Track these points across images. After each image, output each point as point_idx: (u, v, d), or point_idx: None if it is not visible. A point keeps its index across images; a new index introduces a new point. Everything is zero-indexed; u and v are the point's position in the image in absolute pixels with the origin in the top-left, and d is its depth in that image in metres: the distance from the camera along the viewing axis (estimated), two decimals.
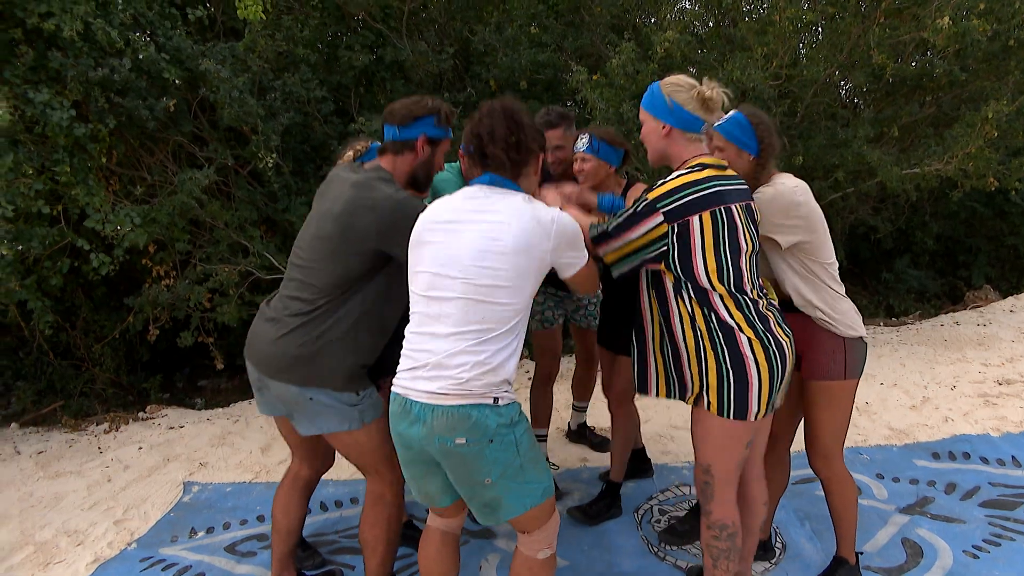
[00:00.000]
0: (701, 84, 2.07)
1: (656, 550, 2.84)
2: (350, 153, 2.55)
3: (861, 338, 2.35)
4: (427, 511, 2.16)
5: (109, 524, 3.25)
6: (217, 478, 3.69)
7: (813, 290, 2.30)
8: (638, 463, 3.40)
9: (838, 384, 2.33)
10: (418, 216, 1.98)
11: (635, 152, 3.74)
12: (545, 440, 3.52)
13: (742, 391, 2.01)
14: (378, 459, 2.29)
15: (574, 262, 1.95)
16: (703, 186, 2.01)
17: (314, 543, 2.95)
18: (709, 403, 2.05)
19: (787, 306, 2.31)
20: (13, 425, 4.70)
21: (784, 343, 2.07)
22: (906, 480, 3.32)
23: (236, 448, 4.05)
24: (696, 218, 1.98)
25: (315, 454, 2.52)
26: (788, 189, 2.23)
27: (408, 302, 1.99)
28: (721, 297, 2.02)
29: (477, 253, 1.82)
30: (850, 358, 2.32)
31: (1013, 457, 3.47)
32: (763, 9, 5.95)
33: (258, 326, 2.27)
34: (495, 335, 1.83)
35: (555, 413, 3.87)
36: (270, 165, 4.63)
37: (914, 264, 7.64)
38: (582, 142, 2.77)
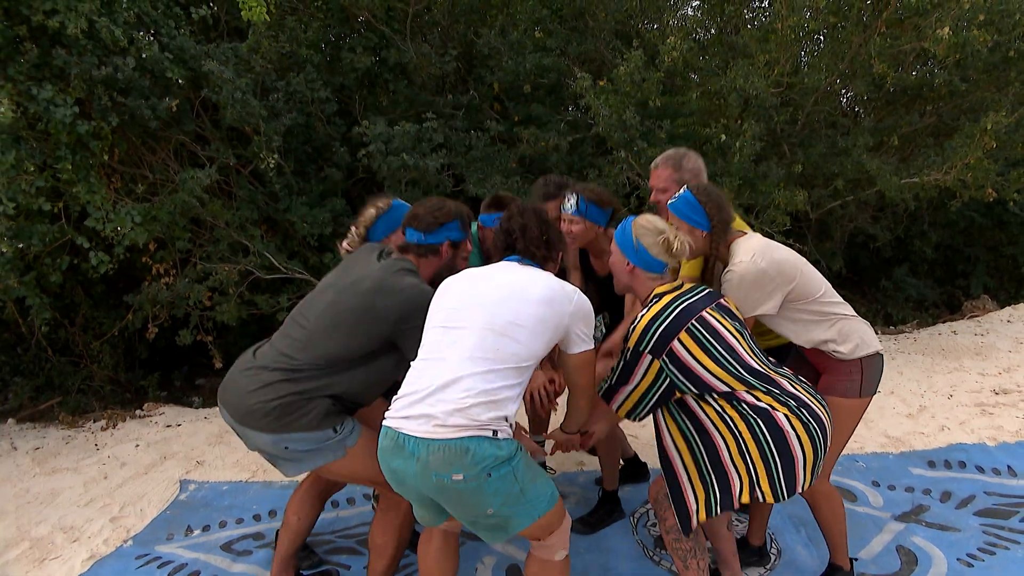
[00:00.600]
0: (670, 230, 2.17)
1: (652, 554, 2.85)
2: (371, 211, 2.56)
3: (878, 352, 2.36)
4: None
5: (105, 521, 3.25)
6: (214, 476, 3.69)
7: (816, 330, 2.33)
8: (633, 469, 3.41)
9: (852, 402, 2.35)
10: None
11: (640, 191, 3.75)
12: (543, 443, 3.52)
13: (789, 467, 2.03)
14: (379, 474, 2.29)
15: (583, 340, 2.03)
16: (666, 313, 2.09)
17: (311, 543, 2.95)
18: (763, 494, 2.05)
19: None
20: (10, 421, 4.70)
21: (819, 412, 2.10)
22: (902, 488, 3.33)
23: (233, 447, 4.04)
24: (676, 341, 2.04)
25: None
26: (747, 264, 2.24)
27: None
28: (745, 389, 2.06)
29: (503, 295, 1.92)
30: (867, 377, 2.34)
31: (1009, 466, 3.48)
32: (765, 17, 5.98)
33: (235, 375, 2.25)
34: (505, 369, 1.84)
35: (552, 416, 3.87)
36: (272, 165, 4.64)
37: (913, 273, 7.66)
38: (569, 203, 2.71)
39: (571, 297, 1.97)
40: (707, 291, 2.21)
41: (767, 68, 5.08)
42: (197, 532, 3.13)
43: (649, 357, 2.06)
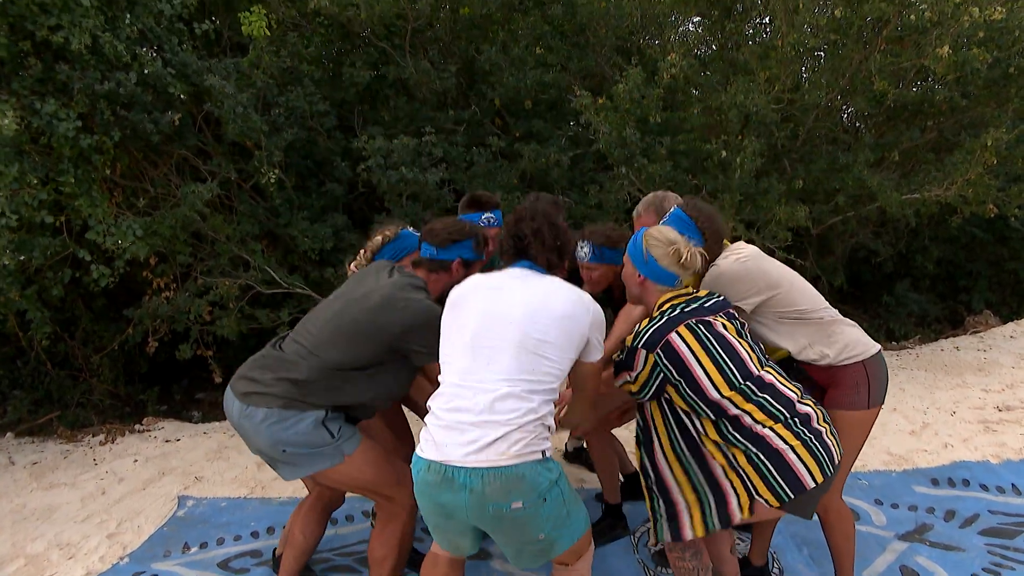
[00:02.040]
0: (681, 242, 2.16)
1: (652, 573, 2.82)
2: (379, 238, 2.62)
3: (878, 354, 2.35)
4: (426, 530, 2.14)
5: (102, 537, 3.23)
6: (212, 493, 3.67)
7: (805, 340, 2.32)
8: (635, 486, 3.38)
9: (862, 414, 2.32)
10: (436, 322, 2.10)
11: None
12: None
13: (786, 470, 2.00)
14: (379, 484, 2.29)
15: (599, 348, 2.03)
16: (666, 312, 2.11)
17: (308, 561, 2.92)
18: (767, 499, 2.03)
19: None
20: (8, 435, 4.68)
21: (817, 424, 2.07)
22: (905, 506, 3.30)
23: (232, 463, 4.03)
24: (674, 334, 2.04)
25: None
26: (728, 262, 2.30)
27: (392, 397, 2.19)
28: (736, 404, 2.03)
29: (530, 311, 1.88)
30: (874, 386, 2.31)
31: (1013, 485, 3.45)
32: (766, 34, 6.01)
33: (246, 370, 2.30)
34: (543, 388, 1.84)
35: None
36: (273, 180, 4.65)
37: (914, 288, 7.64)
38: (584, 252, 2.76)
39: (588, 307, 1.98)
40: (719, 298, 2.20)
41: (768, 84, 5.10)
42: (194, 549, 3.10)
43: (644, 352, 2.05)
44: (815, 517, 2.31)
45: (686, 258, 2.13)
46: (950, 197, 5.14)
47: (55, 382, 5.08)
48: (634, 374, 2.09)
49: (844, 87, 5.29)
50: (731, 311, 2.20)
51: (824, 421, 2.12)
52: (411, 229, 2.68)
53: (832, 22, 5.06)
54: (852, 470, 3.61)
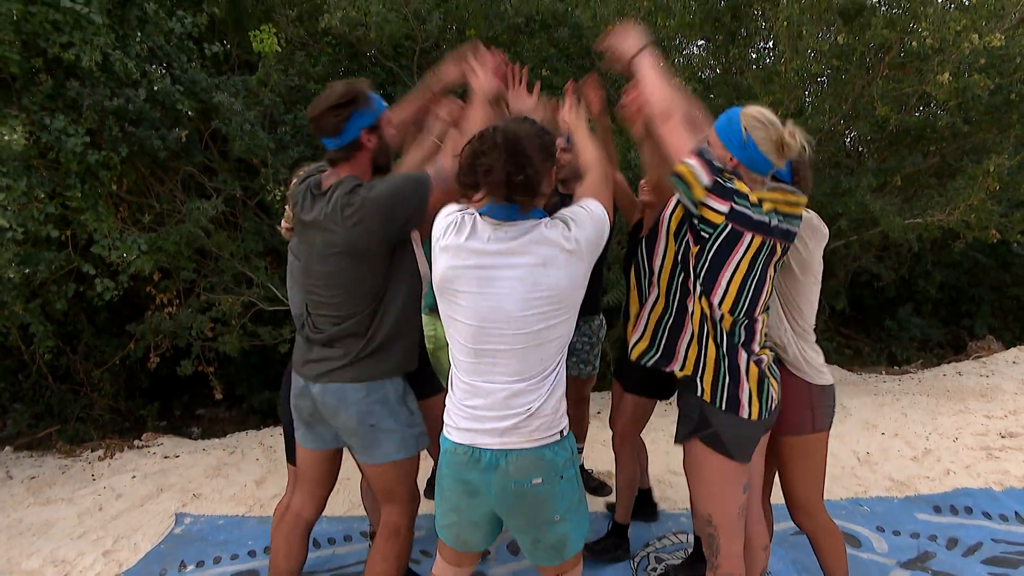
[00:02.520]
0: (784, 125, 1.95)
1: None
2: (294, 180, 2.44)
3: (830, 386, 2.34)
4: (436, 553, 2.11)
5: (98, 555, 3.21)
6: (210, 510, 3.65)
7: (789, 327, 2.29)
8: (643, 505, 3.34)
9: (808, 438, 2.30)
10: (405, 184, 2.04)
11: None
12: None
13: (732, 393, 2.00)
14: (410, 488, 2.30)
15: (601, 244, 1.88)
16: (771, 215, 1.93)
17: None
18: (703, 390, 2.02)
19: None
20: (7, 448, 4.67)
21: (773, 391, 2.07)
22: (907, 534, 3.27)
23: (231, 480, 4.01)
24: (749, 235, 1.89)
25: (323, 493, 2.48)
26: (817, 221, 2.27)
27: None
28: (722, 318, 1.99)
29: (523, 302, 1.76)
30: (818, 412, 2.28)
31: (1016, 513, 3.42)
32: (770, 58, 6.06)
33: (303, 350, 2.25)
34: (551, 369, 1.85)
35: None
36: (278, 197, 4.68)
37: (917, 313, 7.64)
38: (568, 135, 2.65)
39: (578, 251, 1.79)
40: (796, 226, 2.05)
41: (771, 109, 5.13)
42: (191, 568, 3.08)
43: (727, 208, 1.86)
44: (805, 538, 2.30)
45: (789, 143, 1.90)
46: (952, 222, 5.16)
47: (55, 396, 5.08)
48: (698, 177, 1.86)
49: (847, 112, 5.33)
50: (791, 244, 2.06)
51: (774, 372, 2.11)
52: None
53: (835, 48, 5.11)
54: (854, 496, 3.62)
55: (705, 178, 1.86)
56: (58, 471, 4.22)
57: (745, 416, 2.01)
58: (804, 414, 2.28)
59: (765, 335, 2.11)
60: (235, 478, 4.04)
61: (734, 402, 2.01)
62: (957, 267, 7.69)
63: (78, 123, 4.00)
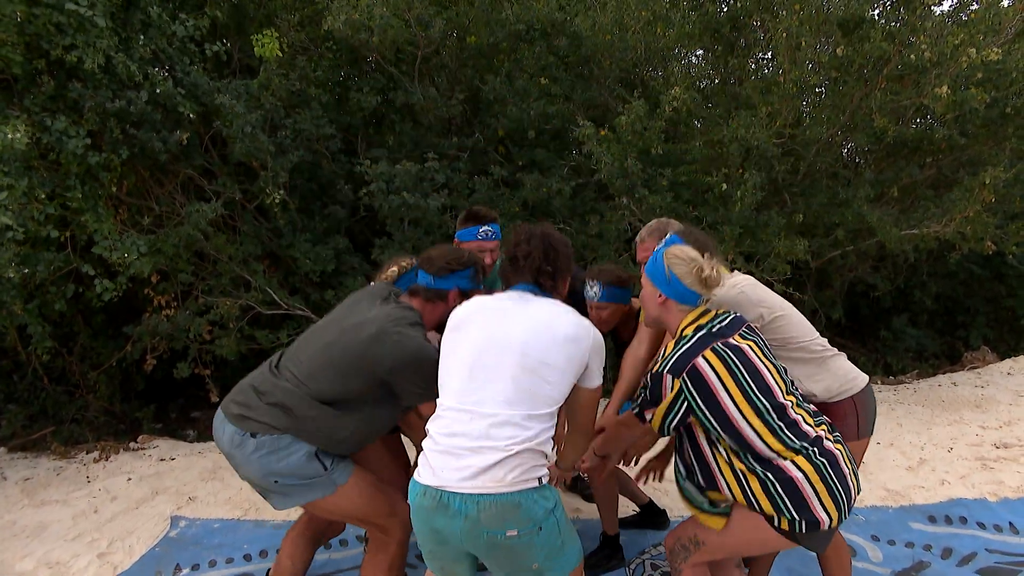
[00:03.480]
0: (703, 259, 2.10)
1: None
2: (394, 269, 2.61)
3: (867, 388, 2.35)
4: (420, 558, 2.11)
5: (92, 557, 3.19)
6: (205, 513, 3.64)
7: (810, 358, 2.32)
8: (650, 515, 3.39)
9: (851, 445, 2.30)
10: (433, 365, 2.06)
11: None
12: None
13: (803, 506, 1.96)
14: (371, 514, 2.28)
15: (597, 375, 2.01)
16: (691, 337, 2.06)
17: None
18: (779, 523, 1.98)
19: None
20: (1, 450, 4.66)
21: (831, 447, 2.03)
22: (902, 543, 3.28)
23: (226, 483, 4.00)
24: (700, 359, 1.99)
25: None
26: (723, 291, 2.28)
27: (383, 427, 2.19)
28: (759, 434, 1.98)
29: (531, 333, 1.87)
30: (863, 418, 2.32)
31: (1011, 523, 3.43)
32: (768, 69, 6.10)
33: (238, 394, 2.29)
34: (541, 414, 1.84)
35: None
36: (277, 201, 4.69)
37: (912, 323, 7.66)
38: (593, 291, 2.79)
39: (589, 331, 1.96)
40: (734, 316, 2.16)
41: (769, 119, 5.17)
42: (186, 571, 3.07)
43: (670, 377, 2.00)
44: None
45: (709, 275, 2.07)
46: (949, 233, 5.18)
47: (51, 397, 5.07)
48: (664, 398, 2.04)
49: (845, 123, 5.37)
50: (750, 326, 2.16)
51: (848, 460, 2.07)
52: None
53: (834, 60, 5.14)
54: None
55: (652, 408, 2.07)
56: (53, 473, 4.20)
57: (827, 527, 1.97)
58: (848, 423, 2.31)
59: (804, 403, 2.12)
60: (230, 481, 4.03)
61: (811, 518, 1.96)
62: (953, 278, 7.72)
63: (79, 124, 4.01)
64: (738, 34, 5.88)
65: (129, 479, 4.06)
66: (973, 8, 5.76)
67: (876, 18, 5.28)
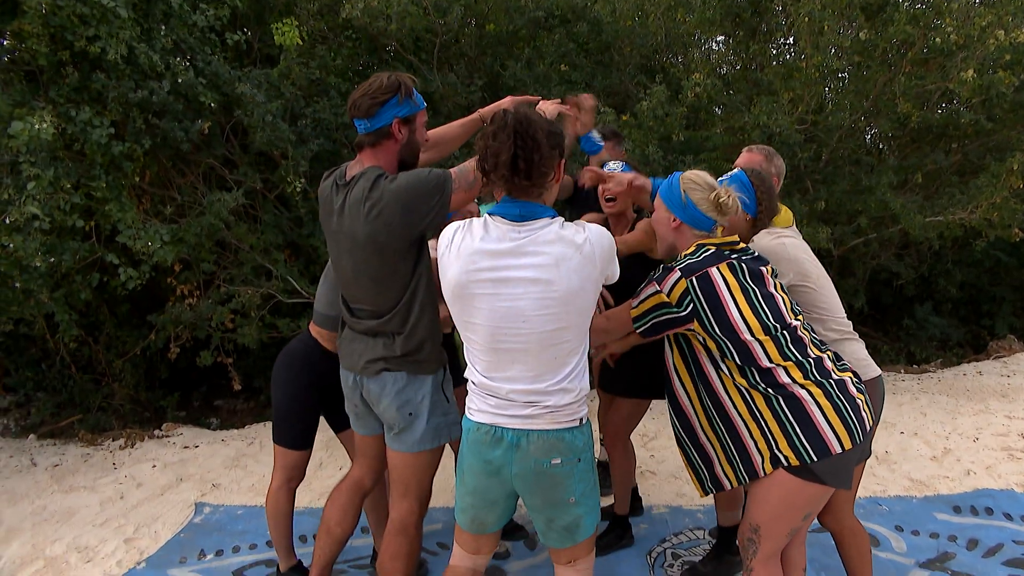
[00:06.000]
0: (720, 187, 2.08)
1: None
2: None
3: (878, 378, 2.32)
4: (453, 545, 2.12)
5: (119, 542, 3.26)
6: (229, 500, 3.69)
7: (826, 333, 2.30)
8: (631, 500, 3.37)
9: None
10: (428, 179, 2.01)
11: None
12: None
13: (812, 431, 1.93)
14: (426, 485, 2.31)
15: (614, 274, 1.94)
16: (707, 248, 2.05)
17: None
18: (788, 459, 1.96)
19: None
20: (31, 437, 4.75)
21: (851, 388, 2.01)
22: (926, 534, 3.25)
23: (249, 471, 4.05)
24: (714, 269, 1.99)
25: (380, 467, 2.49)
26: (766, 239, 2.27)
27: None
28: (768, 354, 1.98)
29: (537, 302, 1.78)
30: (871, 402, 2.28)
31: None
32: (790, 54, 6.01)
33: (347, 343, 2.29)
34: (570, 366, 1.86)
35: None
36: (298, 190, 4.71)
37: (936, 311, 7.55)
38: (616, 166, 2.80)
39: (591, 256, 1.79)
40: (759, 255, 2.15)
41: (791, 105, 5.11)
42: (210, 556, 3.12)
43: (678, 273, 1.99)
44: (830, 539, 2.26)
45: (725, 201, 2.04)
46: (974, 220, 5.10)
47: (78, 386, 5.15)
48: (649, 291, 2.05)
49: (868, 109, 5.29)
50: (773, 269, 2.13)
51: (858, 387, 2.05)
52: None
53: (856, 44, 5.06)
54: (872, 495, 3.60)
55: (649, 290, 2.05)
56: (80, 459, 4.28)
57: (839, 451, 1.94)
58: None
59: (820, 343, 2.09)
60: (253, 469, 4.08)
61: (823, 447, 1.93)
62: (978, 266, 7.60)
63: (103, 115, 4.04)
64: (759, 19, 5.81)
65: (154, 466, 4.13)
66: None
67: (900, 0, 5.19)
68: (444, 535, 3.23)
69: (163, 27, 4.34)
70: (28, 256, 3.75)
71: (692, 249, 2.09)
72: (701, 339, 2.05)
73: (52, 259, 4.02)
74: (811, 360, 2.02)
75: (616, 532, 3.10)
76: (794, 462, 1.95)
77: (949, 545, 3.14)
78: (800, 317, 2.09)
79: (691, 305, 1.99)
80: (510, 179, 1.77)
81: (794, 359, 1.99)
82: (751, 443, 2.04)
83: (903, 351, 7.06)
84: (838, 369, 2.06)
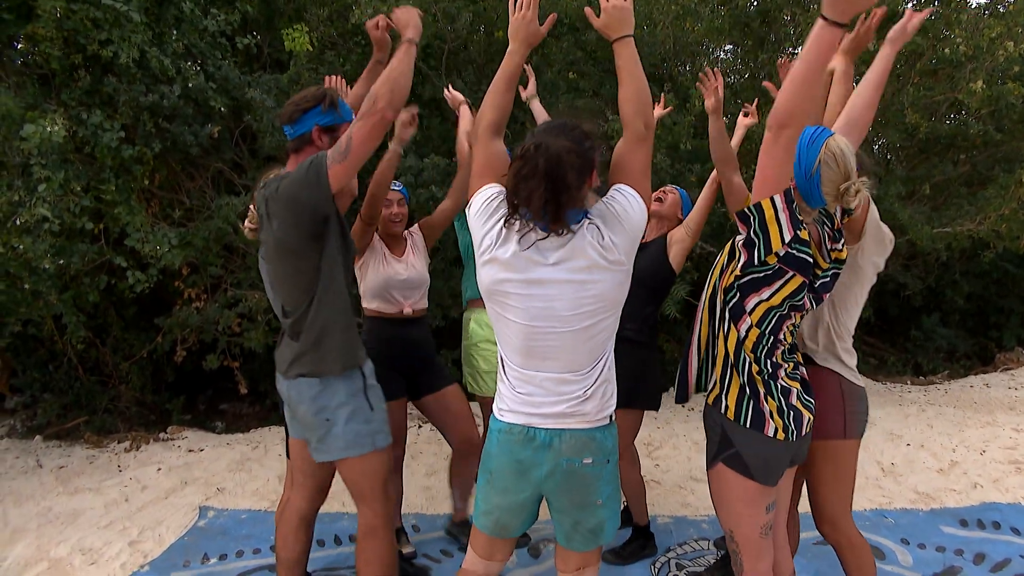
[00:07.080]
0: (854, 180, 1.86)
1: None
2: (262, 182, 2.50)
3: (861, 388, 2.31)
4: (465, 549, 2.11)
5: (124, 544, 3.26)
6: (233, 504, 3.70)
7: (828, 324, 2.29)
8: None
9: (838, 444, 2.25)
10: (302, 170, 2.04)
11: None
12: None
13: (757, 403, 1.96)
14: (379, 487, 2.29)
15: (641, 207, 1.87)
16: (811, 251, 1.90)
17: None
18: (726, 407, 2.00)
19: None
20: (37, 438, 4.76)
21: (804, 416, 2.01)
22: (932, 547, 3.23)
23: (253, 475, 4.05)
24: (792, 273, 1.87)
25: (316, 485, 2.49)
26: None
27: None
28: (752, 336, 1.97)
29: (572, 302, 1.80)
30: (851, 418, 2.24)
31: None
32: None
33: (280, 344, 2.34)
34: (600, 359, 1.88)
35: None
36: None
37: (944, 323, 7.52)
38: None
39: (614, 251, 1.78)
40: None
41: None
42: (213, 560, 3.12)
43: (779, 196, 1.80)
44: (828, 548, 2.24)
45: (849, 196, 1.85)
46: (982, 232, 5.08)
47: (85, 387, 5.17)
48: (784, 229, 1.82)
49: (876, 119, 5.27)
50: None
51: (805, 401, 2.05)
52: None
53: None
54: (879, 507, 3.58)
55: (787, 234, 1.82)
56: (86, 461, 4.29)
57: (770, 435, 1.95)
58: (836, 418, 2.24)
59: (793, 344, 2.09)
60: (258, 473, 4.08)
61: (759, 418, 1.96)
62: (986, 277, 7.56)
63: (114, 118, 4.08)
64: (768, 28, 5.81)
65: (159, 469, 4.13)
66: None
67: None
68: (447, 542, 3.22)
69: (174, 31, 4.38)
70: (37, 258, 3.77)
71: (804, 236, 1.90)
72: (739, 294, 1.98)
73: (61, 261, 4.04)
74: (776, 376, 2.00)
75: (639, 542, 3.11)
76: (730, 415, 1.98)
77: (956, 559, 3.12)
78: (780, 355, 2.06)
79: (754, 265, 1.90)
80: (542, 217, 1.76)
81: (760, 359, 1.99)
82: (701, 370, 2.12)
83: (910, 362, 7.02)
84: (799, 397, 2.03)
